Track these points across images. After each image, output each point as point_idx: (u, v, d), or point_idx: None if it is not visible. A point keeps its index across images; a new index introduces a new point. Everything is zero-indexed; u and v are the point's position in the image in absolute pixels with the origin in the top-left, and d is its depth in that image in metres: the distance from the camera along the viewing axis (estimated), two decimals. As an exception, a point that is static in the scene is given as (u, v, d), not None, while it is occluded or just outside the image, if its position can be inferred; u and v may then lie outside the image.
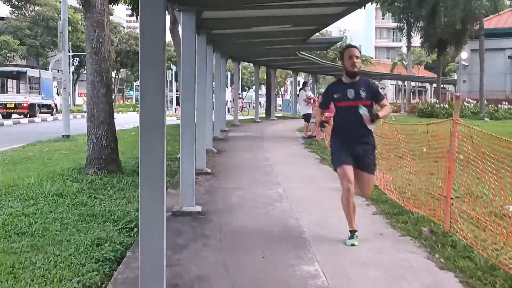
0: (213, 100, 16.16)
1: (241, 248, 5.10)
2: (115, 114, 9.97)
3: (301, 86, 17.61)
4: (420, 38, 33.09)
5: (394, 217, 6.30)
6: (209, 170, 9.61)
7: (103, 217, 6.03)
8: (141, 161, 3.33)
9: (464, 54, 35.17)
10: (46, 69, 51.64)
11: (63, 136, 16.96)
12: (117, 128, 9.53)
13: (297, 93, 19.94)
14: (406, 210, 6.50)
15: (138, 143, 3.52)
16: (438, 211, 5.86)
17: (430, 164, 6.83)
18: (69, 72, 58.04)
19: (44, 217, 5.96)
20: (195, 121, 7.64)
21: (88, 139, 8.95)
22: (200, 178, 9.02)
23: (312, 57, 24.16)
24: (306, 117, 16.72)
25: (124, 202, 6.80)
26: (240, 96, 69.78)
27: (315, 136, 16.22)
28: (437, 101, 32.23)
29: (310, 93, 17.10)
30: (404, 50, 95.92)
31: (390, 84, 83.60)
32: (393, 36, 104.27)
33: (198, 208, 6.57)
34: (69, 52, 55.09)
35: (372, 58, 79.51)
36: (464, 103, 30.23)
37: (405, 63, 77.17)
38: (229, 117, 26.11)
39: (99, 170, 8.56)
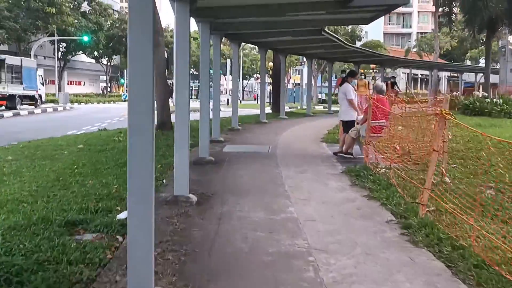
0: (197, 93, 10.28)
1: None
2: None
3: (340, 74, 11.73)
4: (463, 17, 27.02)
5: None
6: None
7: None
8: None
9: (513, 37, 29.08)
10: (28, 55, 46.36)
11: None
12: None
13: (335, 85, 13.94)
14: None
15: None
16: None
17: None
18: (55, 58, 53.00)
19: None
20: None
21: None
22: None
23: (338, 38, 18.34)
24: (348, 126, 10.83)
25: None
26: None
27: (351, 154, 10.45)
28: (486, 95, 26.25)
29: (351, 92, 11.09)
30: (415, 36, 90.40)
31: (402, 72, 78.05)
32: (403, 21, 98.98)
33: None
34: (55, 36, 49.92)
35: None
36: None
37: (419, 50, 71.52)
38: (226, 112, 20.28)
39: None
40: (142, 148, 3.81)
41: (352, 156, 10.28)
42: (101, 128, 17.92)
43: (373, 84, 25.72)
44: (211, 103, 12.10)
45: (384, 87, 10.68)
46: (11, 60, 33.99)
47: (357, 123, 10.48)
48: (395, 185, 7.68)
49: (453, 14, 29.40)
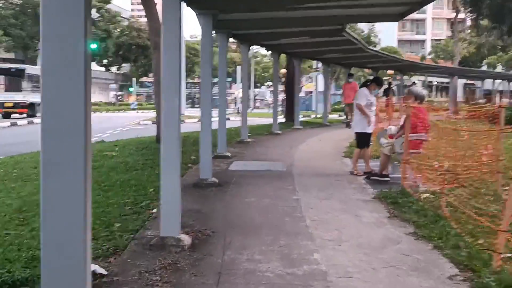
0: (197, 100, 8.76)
1: None
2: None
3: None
4: (490, 18, 25.21)
5: None
6: None
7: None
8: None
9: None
10: (34, 62, 45.52)
11: None
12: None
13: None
14: None
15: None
16: None
17: None
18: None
19: None
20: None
21: None
22: None
23: (359, 40, 16.69)
24: (362, 139, 9.30)
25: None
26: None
27: (387, 176, 8.71)
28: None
29: (372, 97, 9.46)
30: (429, 43, 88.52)
31: (418, 80, 76.37)
32: (417, 28, 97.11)
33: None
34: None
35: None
36: None
37: (433, 56, 69.80)
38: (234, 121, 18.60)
39: None
40: (65, 195, 2.18)
41: (389, 179, 8.55)
42: (99, 140, 16.36)
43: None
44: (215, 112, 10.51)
45: (425, 93, 9.01)
46: (31, 69, 34.70)
47: (390, 137, 8.79)
48: (448, 218, 5.99)
49: (474, 19, 27.55)
